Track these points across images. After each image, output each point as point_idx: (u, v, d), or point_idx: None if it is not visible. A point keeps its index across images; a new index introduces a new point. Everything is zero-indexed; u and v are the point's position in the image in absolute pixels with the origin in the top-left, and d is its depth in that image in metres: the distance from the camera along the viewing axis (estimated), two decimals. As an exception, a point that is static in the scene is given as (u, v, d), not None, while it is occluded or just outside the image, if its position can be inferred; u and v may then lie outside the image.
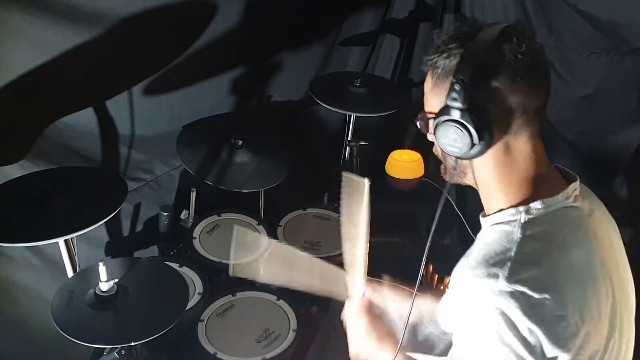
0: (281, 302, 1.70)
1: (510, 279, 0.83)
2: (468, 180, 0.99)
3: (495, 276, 0.83)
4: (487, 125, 0.86)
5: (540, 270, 0.84)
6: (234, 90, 2.10)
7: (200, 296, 1.67)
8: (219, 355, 1.52)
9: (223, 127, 2.03)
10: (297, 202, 2.11)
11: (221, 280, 1.82)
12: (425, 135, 1.00)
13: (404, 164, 2.24)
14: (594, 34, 1.72)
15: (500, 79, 0.86)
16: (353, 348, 1.18)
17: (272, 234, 1.90)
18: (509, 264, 0.84)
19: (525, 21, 2.05)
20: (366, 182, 1.04)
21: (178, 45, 1.81)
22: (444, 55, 0.90)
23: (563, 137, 1.91)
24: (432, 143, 0.99)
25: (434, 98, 0.93)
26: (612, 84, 1.81)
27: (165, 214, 1.90)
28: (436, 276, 1.88)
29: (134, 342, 1.23)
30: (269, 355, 1.53)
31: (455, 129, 0.86)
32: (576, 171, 1.01)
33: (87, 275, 1.37)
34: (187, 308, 1.41)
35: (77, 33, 1.47)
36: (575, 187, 0.95)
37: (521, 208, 0.91)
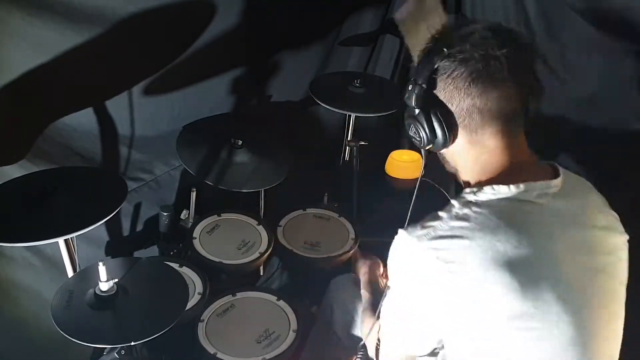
0: (281, 303, 1.70)
1: (431, 242, 0.90)
2: (448, 168, 1.07)
3: (420, 238, 0.91)
4: (442, 122, 0.95)
5: (450, 245, 0.89)
6: (234, 90, 2.10)
7: (200, 296, 1.67)
8: (219, 355, 1.52)
9: (223, 127, 2.03)
10: (297, 202, 2.11)
11: (221, 280, 1.82)
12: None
13: (404, 164, 2.24)
14: (594, 34, 1.72)
15: (449, 83, 0.92)
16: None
17: (272, 234, 1.90)
18: (433, 231, 0.91)
19: (524, 21, 2.05)
20: None
21: (178, 45, 1.81)
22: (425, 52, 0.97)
23: (563, 137, 1.90)
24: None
25: None
26: (612, 84, 1.81)
27: (165, 214, 1.90)
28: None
29: (134, 342, 1.23)
30: (269, 356, 1.53)
31: (413, 124, 0.99)
32: (576, 171, 1.01)
33: (87, 275, 1.37)
34: (187, 308, 1.41)
35: (77, 33, 1.47)
36: (547, 185, 0.94)
37: (474, 189, 0.95)
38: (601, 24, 1.70)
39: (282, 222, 2.00)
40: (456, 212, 0.92)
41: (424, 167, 1.10)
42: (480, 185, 0.96)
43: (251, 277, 1.99)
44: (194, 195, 1.96)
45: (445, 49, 0.91)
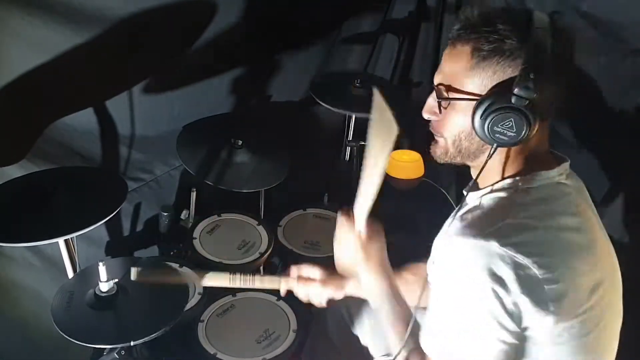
0: (281, 303, 1.70)
1: (502, 241, 0.84)
2: (473, 162, 1.00)
3: (488, 237, 0.85)
4: (543, 116, 0.89)
5: (530, 236, 0.86)
6: (234, 90, 2.10)
7: (200, 296, 1.67)
8: (219, 355, 1.52)
9: (223, 127, 2.03)
10: (297, 202, 2.11)
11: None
12: (426, 120, 1.02)
13: (404, 164, 2.24)
14: (594, 35, 1.72)
15: (559, 76, 0.88)
16: (342, 256, 1.16)
17: (272, 234, 1.90)
18: (501, 227, 0.86)
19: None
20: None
21: (178, 45, 1.81)
22: (496, 35, 0.88)
23: (562, 138, 1.90)
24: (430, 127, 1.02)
25: (473, 78, 0.92)
26: (612, 85, 1.81)
27: (165, 214, 1.90)
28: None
29: (134, 342, 1.23)
30: (269, 356, 1.53)
31: (516, 117, 0.85)
32: (576, 172, 1.02)
33: (87, 275, 1.37)
34: (187, 308, 1.41)
35: (77, 33, 1.47)
36: (566, 166, 0.99)
37: (518, 178, 0.94)
38: (602, 24, 1.70)
39: (282, 222, 2.00)
40: (517, 202, 0.91)
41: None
42: (523, 173, 0.95)
43: (251, 277, 1.98)
44: (194, 195, 1.96)
45: (545, 37, 0.86)
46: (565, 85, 0.91)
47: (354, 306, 1.40)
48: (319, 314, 1.59)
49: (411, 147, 2.26)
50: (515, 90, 0.84)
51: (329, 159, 2.48)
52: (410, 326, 0.98)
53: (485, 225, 0.87)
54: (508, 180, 0.95)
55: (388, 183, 2.22)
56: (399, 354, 0.98)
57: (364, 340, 1.38)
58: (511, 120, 0.86)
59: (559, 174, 0.96)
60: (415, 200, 2.20)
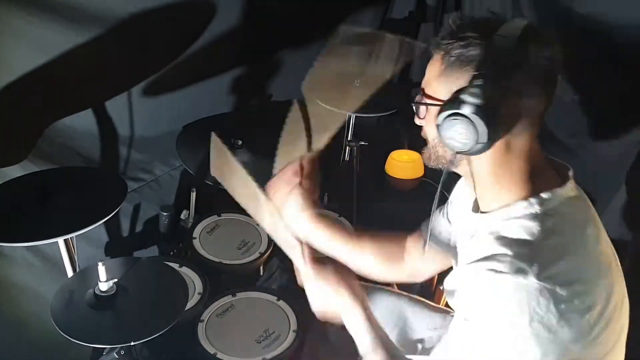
0: (281, 303, 1.70)
1: (540, 275, 0.82)
2: (459, 170, 0.99)
3: (524, 272, 0.82)
4: (495, 124, 0.83)
5: (566, 264, 0.85)
6: (234, 90, 2.10)
7: (200, 296, 1.67)
8: (219, 355, 1.51)
9: (223, 127, 2.02)
10: (297, 202, 2.11)
11: (221, 280, 1.82)
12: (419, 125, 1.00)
13: (404, 164, 2.24)
14: (590, 36, 1.72)
15: (519, 80, 0.85)
16: (317, 303, 1.13)
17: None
18: (536, 259, 0.84)
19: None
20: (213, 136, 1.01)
21: (178, 45, 1.81)
22: (462, 42, 0.87)
23: (557, 140, 1.90)
24: (421, 127, 0.99)
25: (440, 85, 0.91)
26: (606, 87, 1.81)
27: (165, 214, 1.90)
28: (435, 277, 1.88)
29: (134, 342, 1.23)
30: (269, 356, 1.53)
31: (464, 124, 0.83)
32: (575, 175, 1.01)
33: (86, 275, 1.37)
34: (187, 308, 1.41)
35: (77, 33, 1.47)
36: (571, 175, 0.97)
37: (533, 200, 0.90)
38: (597, 26, 1.70)
39: (282, 222, 1.99)
40: (540, 231, 0.87)
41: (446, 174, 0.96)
42: (533, 194, 0.92)
43: (251, 277, 1.98)
44: (194, 195, 1.96)
45: (506, 45, 0.83)
46: (541, 96, 0.88)
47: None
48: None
49: (411, 147, 2.26)
50: (462, 96, 0.83)
51: (329, 159, 2.48)
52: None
53: (517, 259, 0.85)
54: (522, 204, 0.91)
55: (388, 183, 2.22)
56: None
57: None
58: (462, 127, 0.84)
59: (570, 188, 0.94)
60: (415, 200, 2.20)
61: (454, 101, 0.84)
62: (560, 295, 0.82)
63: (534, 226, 0.88)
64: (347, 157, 2.31)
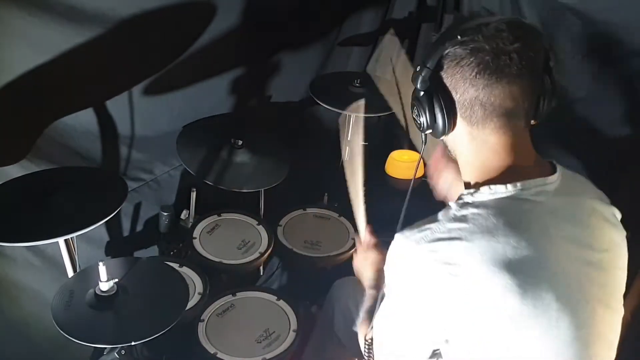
0: (281, 302, 1.70)
1: (427, 246, 0.89)
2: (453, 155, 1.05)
3: (418, 241, 0.90)
4: (443, 109, 0.93)
5: (449, 247, 0.88)
6: (234, 90, 2.10)
7: (200, 296, 1.67)
8: (219, 355, 1.52)
9: (223, 127, 2.03)
10: (297, 202, 2.11)
11: (221, 280, 1.82)
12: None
13: (404, 164, 2.24)
14: (589, 36, 1.72)
15: (457, 71, 0.90)
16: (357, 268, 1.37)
17: (272, 234, 1.90)
18: (430, 234, 0.90)
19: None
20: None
21: (178, 45, 1.81)
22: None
23: (557, 140, 1.90)
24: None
25: None
26: (605, 86, 1.81)
27: (165, 214, 1.90)
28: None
29: (134, 342, 1.23)
30: (269, 356, 1.53)
31: (416, 107, 0.96)
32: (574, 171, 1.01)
33: (87, 275, 1.37)
34: (187, 308, 1.41)
35: (77, 33, 1.47)
36: (543, 182, 0.94)
37: (472, 190, 0.94)
38: (596, 25, 1.70)
39: (282, 222, 2.00)
40: (454, 214, 0.91)
41: (422, 157, 1.10)
42: (477, 185, 0.95)
43: (251, 277, 1.99)
44: (194, 195, 1.96)
45: (458, 36, 0.89)
46: (494, 90, 0.89)
47: (361, 301, 1.41)
48: (325, 308, 1.59)
49: (411, 147, 2.26)
50: (412, 80, 0.95)
51: (329, 159, 2.48)
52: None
53: (421, 230, 0.92)
54: (464, 192, 0.95)
55: (388, 183, 2.22)
56: None
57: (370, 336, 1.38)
58: (415, 109, 0.97)
59: (520, 189, 0.92)
60: (415, 200, 2.19)
61: (414, 90, 0.97)
62: (439, 267, 0.88)
63: (453, 209, 0.92)
64: (347, 157, 2.31)
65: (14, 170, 1.51)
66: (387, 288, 1.00)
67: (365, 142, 2.10)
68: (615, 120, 1.83)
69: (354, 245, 1.85)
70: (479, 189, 0.93)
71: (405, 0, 2.45)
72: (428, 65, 0.92)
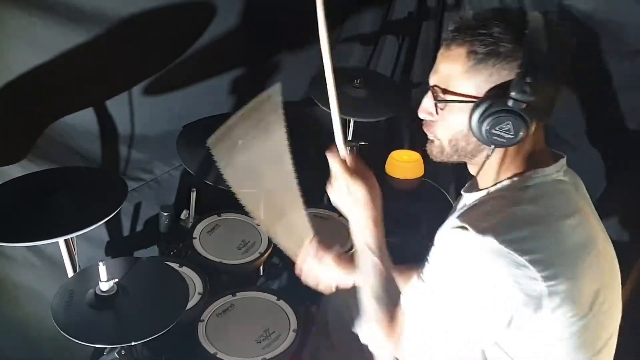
0: (281, 302, 1.70)
1: (499, 237, 0.85)
2: (471, 160, 1.01)
3: (485, 233, 0.86)
4: (540, 117, 0.90)
5: (529, 232, 0.87)
6: (234, 90, 2.10)
7: (200, 296, 1.67)
8: (219, 355, 1.52)
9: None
10: (297, 202, 2.10)
11: (221, 280, 1.82)
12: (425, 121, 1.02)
13: (403, 164, 2.24)
14: (592, 35, 1.72)
15: (556, 76, 0.89)
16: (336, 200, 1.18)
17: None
18: (498, 224, 0.87)
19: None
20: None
21: (178, 45, 1.81)
22: (489, 39, 0.88)
23: (560, 138, 1.90)
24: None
25: (466, 80, 0.92)
26: (609, 86, 1.81)
27: (165, 214, 1.90)
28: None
29: (134, 342, 1.23)
30: (269, 356, 1.53)
31: (513, 119, 0.87)
32: (574, 171, 1.02)
33: (87, 275, 1.37)
34: (187, 308, 1.41)
35: (77, 33, 1.47)
36: (563, 162, 0.99)
37: (516, 178, 0.95)
38: (600, 24, 1.70)
39: (282, 222, 1.99)
40: (515, 200, 0.91)
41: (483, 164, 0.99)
42: (522, 173, 0.96)
43: (251, 277, 1.99)
44: (194, 195, 1.96)
45: (544, 38, 0.86)
46: (561, 86, 0.92)
47: (355, 305, 1.40)
48: (320, 313, 1.59)
49: (411, 147, 2.26)
50: (512, 94, 0.86)
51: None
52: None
53: (482, 222, 0.88)
54: (506, 182, 0.96)
55: (388, 183, 2.22)
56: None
57: (365, 339, 1.38)
58: (509, 123, 0.87)
59: (556, 170, 0.97)
60: (415, 200, 2.20)
61: (500, 98, 0.87)
62: (516, 258, 0.84)
63: (505, 198, 0.92)
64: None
65: (14, 170, 1.51)
66: (444, 289, 0.92)
67: (365, 142, 2.10)
68: (615, 120, 1.83)
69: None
70: (525, 174, 0.95)
71: (405, 0, 2.45)
72: (528, 74, 0.85)
